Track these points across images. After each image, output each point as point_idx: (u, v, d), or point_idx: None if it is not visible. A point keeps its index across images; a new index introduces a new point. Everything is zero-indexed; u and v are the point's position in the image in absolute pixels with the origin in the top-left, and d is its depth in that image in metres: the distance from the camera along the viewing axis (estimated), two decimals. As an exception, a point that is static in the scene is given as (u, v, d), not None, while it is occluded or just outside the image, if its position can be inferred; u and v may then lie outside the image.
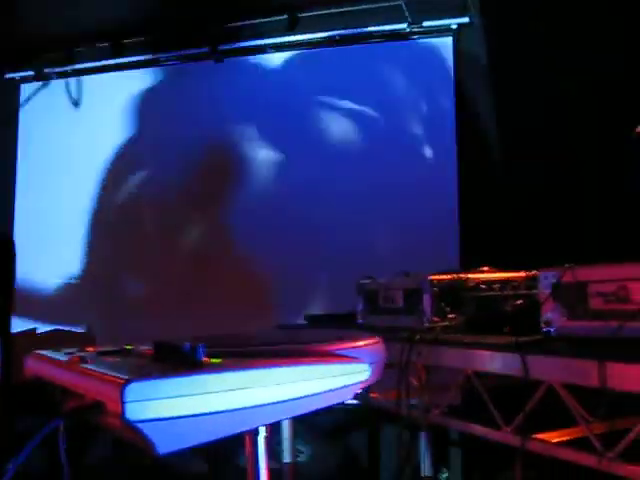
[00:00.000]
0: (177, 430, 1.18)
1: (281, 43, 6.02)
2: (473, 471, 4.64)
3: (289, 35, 5.96)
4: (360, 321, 3.99)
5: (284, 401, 1.30)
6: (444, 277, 3.57)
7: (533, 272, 3.55)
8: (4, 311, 4.75)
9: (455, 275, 3.59)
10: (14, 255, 5.33)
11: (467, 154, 5.80)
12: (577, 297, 2.56)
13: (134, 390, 1.12)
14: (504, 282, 3.52)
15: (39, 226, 6.17)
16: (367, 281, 3.98)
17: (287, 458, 4.03)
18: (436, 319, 3.46)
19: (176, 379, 1.18)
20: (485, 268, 3.79)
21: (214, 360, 1.31)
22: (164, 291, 6.02)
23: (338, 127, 6.07)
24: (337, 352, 1.47)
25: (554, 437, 2.58)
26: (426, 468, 4.06)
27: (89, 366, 1.35)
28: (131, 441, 1.28)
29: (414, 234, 6.00)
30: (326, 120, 6.07)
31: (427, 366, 3.33)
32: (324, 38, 5.97)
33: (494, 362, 2.67)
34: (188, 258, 6.09)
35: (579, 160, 4.80)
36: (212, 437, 1.25)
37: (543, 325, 2.67)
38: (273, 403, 1.29)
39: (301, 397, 1.33)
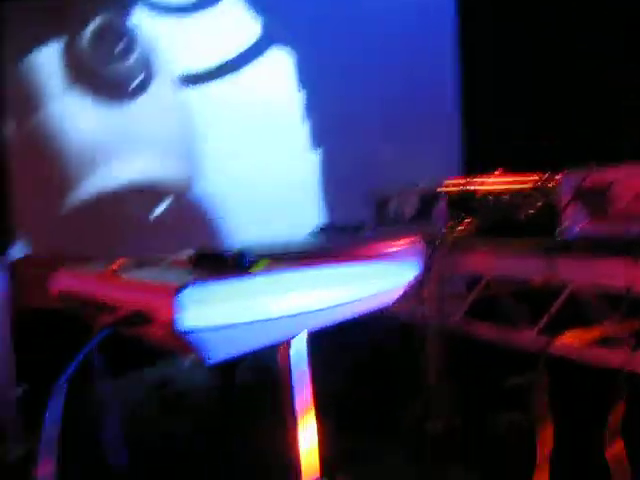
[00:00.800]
0: (228, 338, 1.13)
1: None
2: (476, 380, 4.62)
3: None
4: (370, 231, 3.93)
5: (339, 304, 1.24)
6: (457, 184, 3.51)
7: (548, 175, 3.49)
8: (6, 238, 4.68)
9: (468, 181, 3.52)
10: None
11: (469, 54, 5.66)
12: (600, 199, 2.50)
13: (188, 297, 1.06)
14: (519, 186, 3.45)
15: (39, 150, 5.95)
16: (377, 191, 3.91)
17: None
18: (450, 226, 3.41)
19: (228, 284, 1.12)
20: (497, 172, 3.71)
21: (258, 265, 1.25)
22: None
23: (337, 29, 5.91)
24: (384, 252, 1.41)
25: (578, 339, 2.56)
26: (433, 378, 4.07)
27: (129, 276, 1.28)
28: (177, 351, 1.23)
29: (415, 143, 5.91)
30: (325, 23, 5.90)
31: (442, 275, 3.30)
32: None
33: (517, 266, 2.63)
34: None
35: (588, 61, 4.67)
36: (260, 344, 1.20)
37: (564, 228, 2.62)
38: (328, 307, 1.23)
39: (354, 300, 1.27)
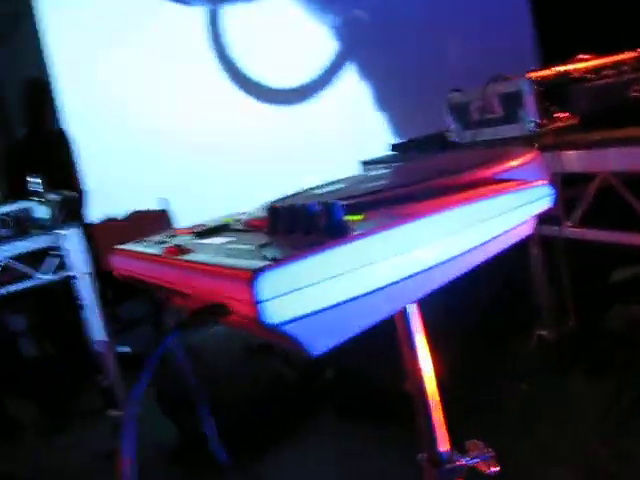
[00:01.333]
0: (331, 322, 0.86)
1: None
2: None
3: None
4: (454, 139, 3.60)
5: (463, 254, 0.95)
6: (545, 73, 3.13)
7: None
8: (79, 204, 4.58)
9: (557, 68, 3.14)
10: (69, 145, 5.08)
11: None
12: None
13: (269, 284, 0.78)
14: (616, 66, 3.05)
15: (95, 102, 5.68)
16: (456, 94, 3.55)
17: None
18: (544, 122, 3.06)
19: (323, 254, 0.83)
20: (582, 56, 3.31)
21: (353, 218, 0.96)
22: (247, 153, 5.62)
23: None
24: (503, 176, 1.10)
25: None
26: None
27: (194, 257, 1.01)
28: (270, 340, 0.97)
29: (483, 39, 5.48)
30: None
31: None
32: None
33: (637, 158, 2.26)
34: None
35: None
36: (372, 320, 0.93)
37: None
38: (451, 260, 0.94)
39: (482, 244, 0.98)
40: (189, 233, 1.29)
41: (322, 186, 1.48)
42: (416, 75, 5.40)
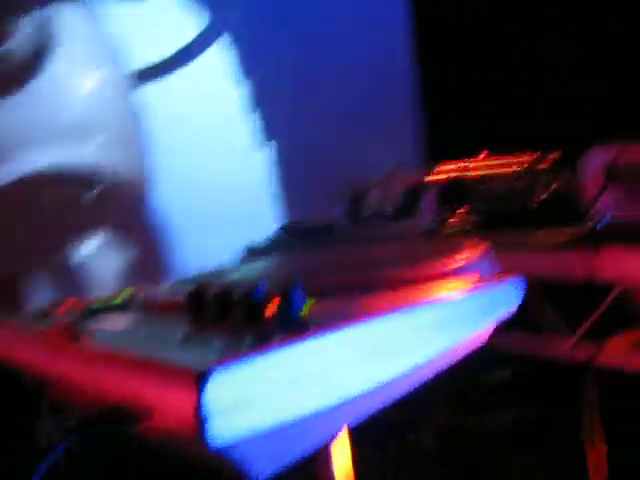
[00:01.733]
0: (280, 442, 0.66)
1: None
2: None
3: None
4: (346, 230, 3.49)
5: (433, 360, 0.79)
6: (447, 171, 3.11)
7: (539, 155, 3.11)
8: None
9: (459, 168, 3.12)
10: None
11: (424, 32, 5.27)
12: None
13: (219, 391, 0.58)
14: (518, 169, 3.06)
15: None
16: (350, 185, 3.46)
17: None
18: (442, 220, 3.01)
19: (280, 355, 0.63)
20: (482, 155, 3.33)
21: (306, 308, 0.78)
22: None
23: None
24: (462, 272, 0.96)
25: (625, 345, 2.14)
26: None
27: (100, 342, 0.79)
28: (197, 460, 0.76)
29: (365, 130, 5.52)
30: None
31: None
32: None
33: (548, 263, 2.19)
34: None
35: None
36: (322, 442, 0.74)
37: (596, 214, 2.20)
38: (417, 367, 0.77)
39: (444, 350, 0.81)
40: (81, 308, 1.06)
41: (235, 269, 1.29)
42: (305, 159, 5.33)
